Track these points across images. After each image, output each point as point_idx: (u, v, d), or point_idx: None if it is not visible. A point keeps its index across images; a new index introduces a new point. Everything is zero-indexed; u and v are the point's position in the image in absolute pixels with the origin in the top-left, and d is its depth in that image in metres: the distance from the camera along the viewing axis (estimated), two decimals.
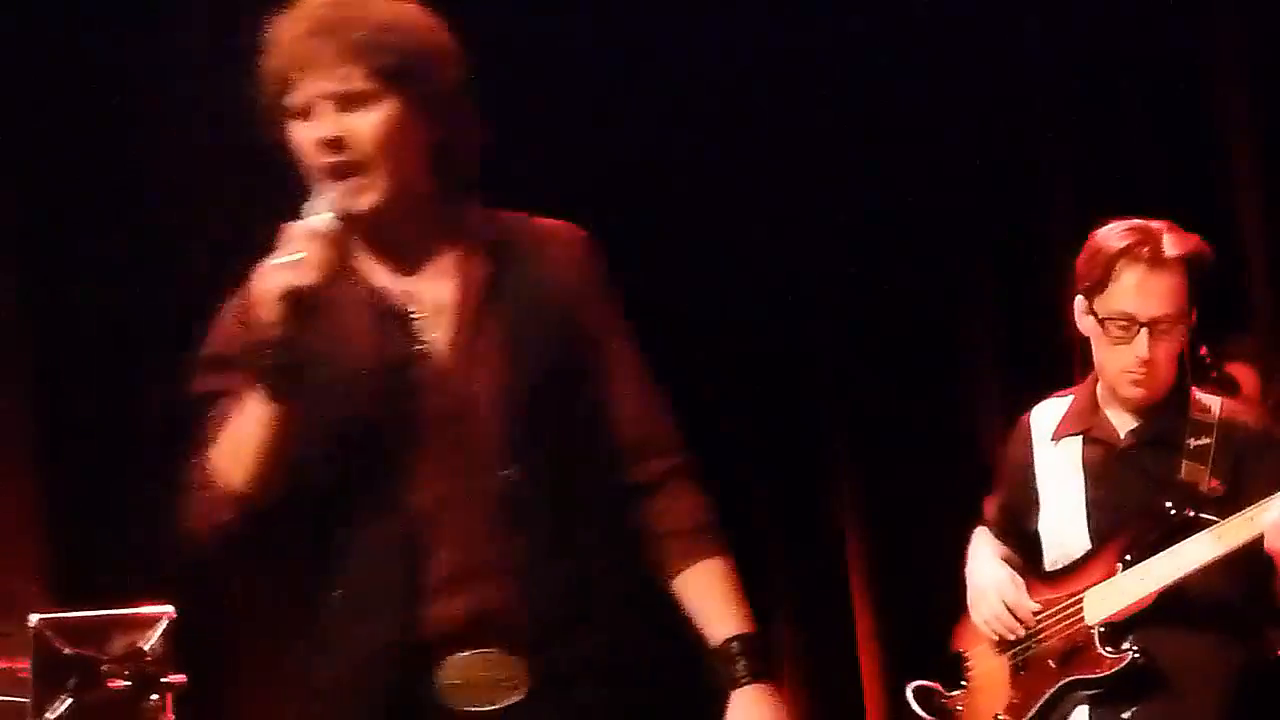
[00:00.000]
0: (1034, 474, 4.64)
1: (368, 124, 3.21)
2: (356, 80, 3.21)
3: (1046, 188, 6.87)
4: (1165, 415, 4.48)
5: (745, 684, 3.25)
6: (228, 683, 6.17)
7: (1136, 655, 4.30)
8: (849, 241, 7.14)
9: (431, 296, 3.29)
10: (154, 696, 5.04)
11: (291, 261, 3.09)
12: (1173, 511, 4.32)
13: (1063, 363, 5.30)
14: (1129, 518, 4.42)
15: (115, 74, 6.39)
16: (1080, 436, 4.57)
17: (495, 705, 3.16)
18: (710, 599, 3.30)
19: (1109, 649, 4.33)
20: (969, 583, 4.67)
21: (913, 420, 6.93)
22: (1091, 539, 4.48)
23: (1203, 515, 4.29)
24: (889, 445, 7.03)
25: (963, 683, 4.72)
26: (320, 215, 3.15)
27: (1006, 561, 4.65)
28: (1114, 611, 4.35)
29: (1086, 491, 4.52)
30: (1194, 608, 4.30)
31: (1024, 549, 4.66)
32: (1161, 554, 4.29)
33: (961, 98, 6.92)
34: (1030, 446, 4.66)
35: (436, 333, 3.26)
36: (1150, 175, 6.54)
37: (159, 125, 6.48)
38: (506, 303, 3.29)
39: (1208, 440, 4.42)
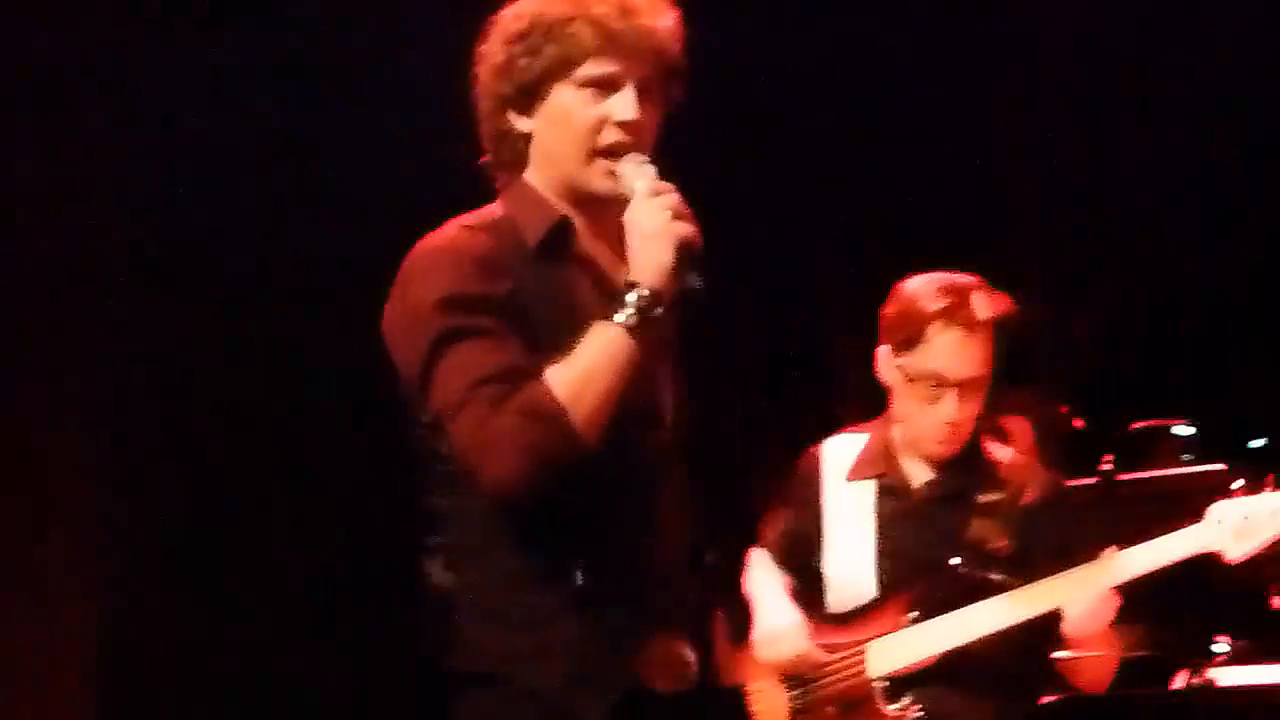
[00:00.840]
0: (823, 511, 4.64)
1: (651, 119, 3.34)
2: (660, 71, 3.33)
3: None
4: (961, 471, 4.52)
5: None
6: None
7: (919, 714, 4.34)
8: None
9: None
10: None
11: (672, 209, 3.19)
12: (962, 570, 4.36)
13: None
14: (917, 571, 4.45)
15: None
16: (875, 481, 4.59)
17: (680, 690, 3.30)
18: None
19: (889, 705, 4.36)
20: (756, 618, 4.63)
21: None
22: (879, 587, 4.50)
23: (991, 576, 4.34)
24: None
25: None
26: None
27: (789, 594, 4.64)
28: (897, 668, 4.38)
29: (877, 538, 4.54)
30: (974, 666, 4.33)
31: (805, 582, 4.65)
32: (951, 614, 4.33)
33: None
34: (821, 481, 4.67)
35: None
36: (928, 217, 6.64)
37: None
38: None
39: (999, 498, 4.47)
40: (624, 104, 3.30)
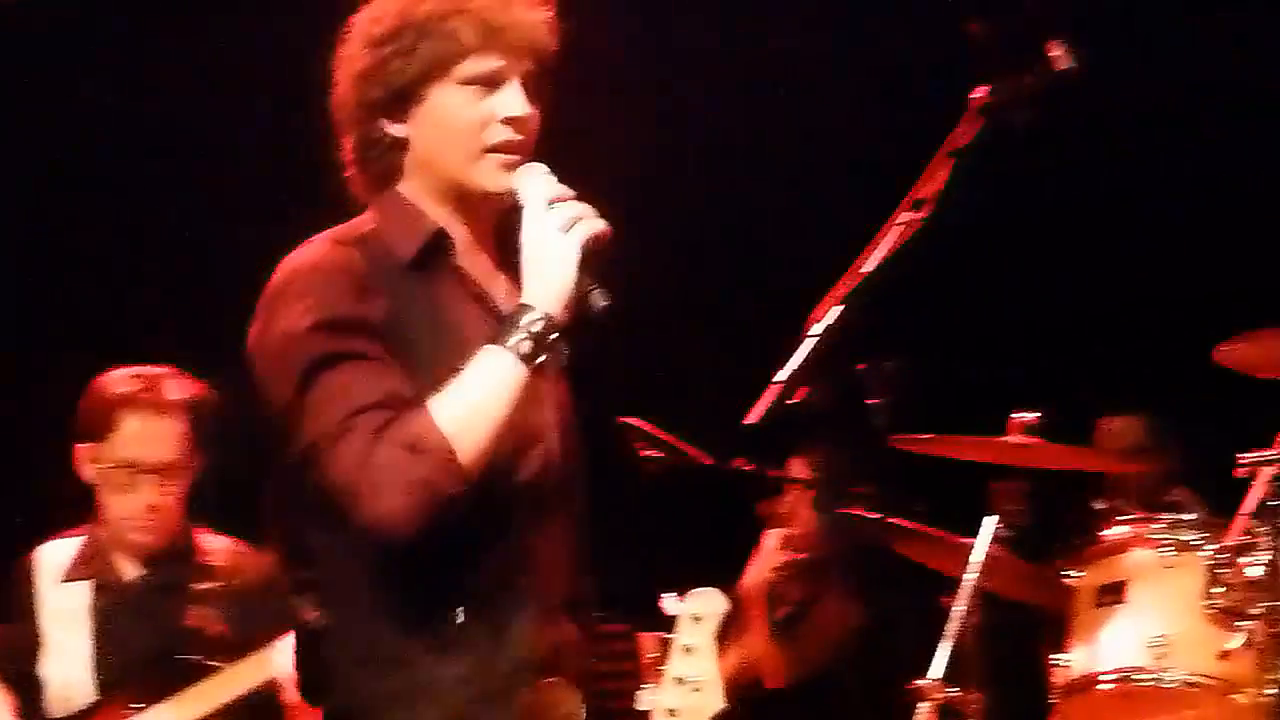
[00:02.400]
0: (39, 615, 4.62)
1: (535, 117, 3.14)
2: (540, 65, 3.14)
3: None
4: (172, 560, 4.61)
5: None
6: None
7: None
8: None
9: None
10: None
11: (582, 216, 3.01)
12: (179, 658, 4.44)
13: None
14: (139, 665, 4.50)
15: None
16: (89, 582, 4.61)
17: None
18: None
19: None
20: None
21: None
22: (99, 687, 4.53)
23: (210, 662, 4.45)
24: None
25: None
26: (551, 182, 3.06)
27: (12, 709, 4.60)
28: None
29: (95, 638, 4.57)
30: None
31: (24, 691, 4.62)
32: (169, 701, 4.41)
33: None
34: (35, 586, 4.65)
35: None
36: None
37: None
38: None
39: (214, 585, 4.57)
40: (512, 100, 3.12)
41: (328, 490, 2.96)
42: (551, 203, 3.06)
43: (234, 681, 4.39)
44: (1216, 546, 4.69)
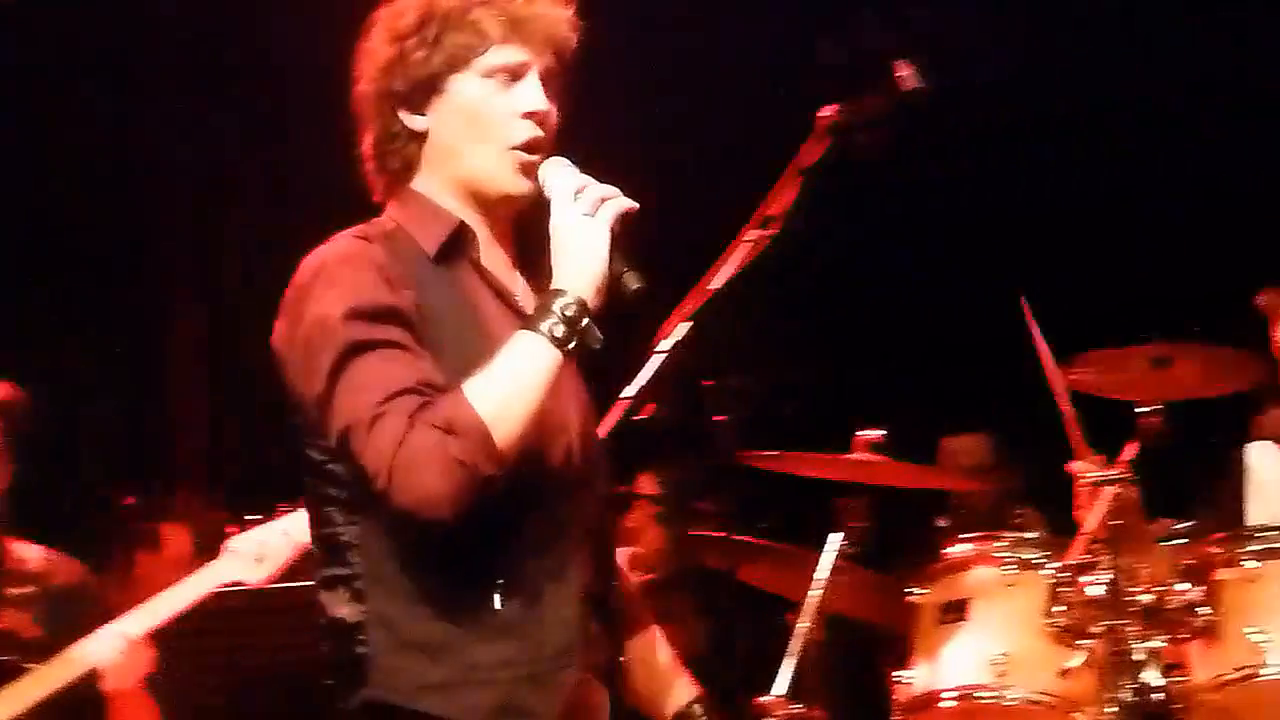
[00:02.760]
0: None
1: (554, 110, 3.14)
2: (560, 62, 3.15)
3: None
4: None
5: None
6: None
7: None
8: None
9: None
10: None
11: (608, 196, 3.01)
12: None
13: None
14: None
15: None
16: None
17: None
18: (664, 664, 3.41)
19: None
20: None
21: None
22: None
23: (26, 664, 4.44)
24: None
25: None
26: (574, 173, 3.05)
27: None
28: None
29: None
30: None
31: None
32: None
33: None
34: None
35: None
36: None
37: None
38: None
39: (28, 590, 4.56)
40: (533, 94, 3.13)
41: (361, 478, 2.94)
42: (577, 191, 3.06)
43: (47, 679, 4.39)
44: (1058, 565, 4.73)
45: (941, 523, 7.03)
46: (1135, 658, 4.56)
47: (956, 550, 4.99)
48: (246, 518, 4.44)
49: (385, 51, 3.15)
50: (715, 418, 4.99)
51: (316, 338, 2.99)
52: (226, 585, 4.42)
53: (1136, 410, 4.91)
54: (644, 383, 3.62)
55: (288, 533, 4.38)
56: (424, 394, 2.92)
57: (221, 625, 4.88)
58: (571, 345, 2.97)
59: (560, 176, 3.09)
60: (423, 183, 3.20)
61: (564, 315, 2.96)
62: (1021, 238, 7.51)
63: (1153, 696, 4.53)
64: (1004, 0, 7.17)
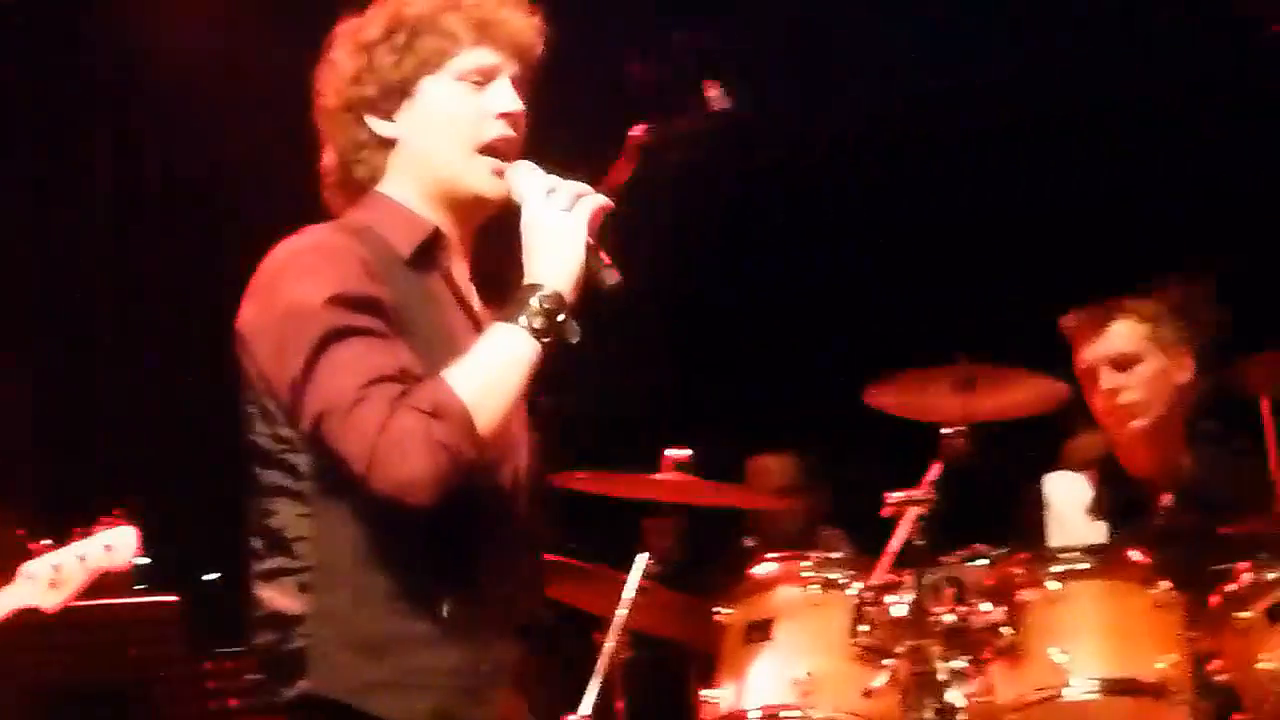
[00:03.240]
0: None
1: (525, 113, 3.15)
2: (527, 68, 3.15)
3: None
4: None
5: None
6: None
7: None
8: None
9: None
10: None
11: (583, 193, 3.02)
12: None
13: None
14: None
15: None
16: None
17: None
18: None
19: None
20: None
21: None
22: None
23: None
24: None
25: None
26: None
27: None
28: None
29: None
30: None
31: None
32: None
33: None
34: None
35: None
36: None
37: None
38: None
39: None
40: (505, 94, 3.14)
41: (335, 463, 2.93)
42: (550, 190, 3.08)
43: None
44: (862, 585, 4.76)
45: (748, 542, 7.05)
46: (939, 678, 4.60)
47: (762, 570, 5.00)
48: (43, 542, 4.37)
49: (352, 62, 3.17)
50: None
51: (295, 322, 2.98)
52: (19, 609, 4.33)
53: (941, 432, 4.96)
54: None
55: (84, 558, 4.31)
56: (404, 382, 2.93)
57: (19, 644, 4.80)
58: (548, 339, 3.00)
59: (530, 177, 3.11)
60: (391, 188, 3.19)
61: (542, 308, 2.98)
62: (830, 256, 7.56)
63: (956, 717, 4.57)
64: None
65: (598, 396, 6.71)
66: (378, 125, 3.16)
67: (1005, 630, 4.59)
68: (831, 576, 4.87)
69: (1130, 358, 5.21)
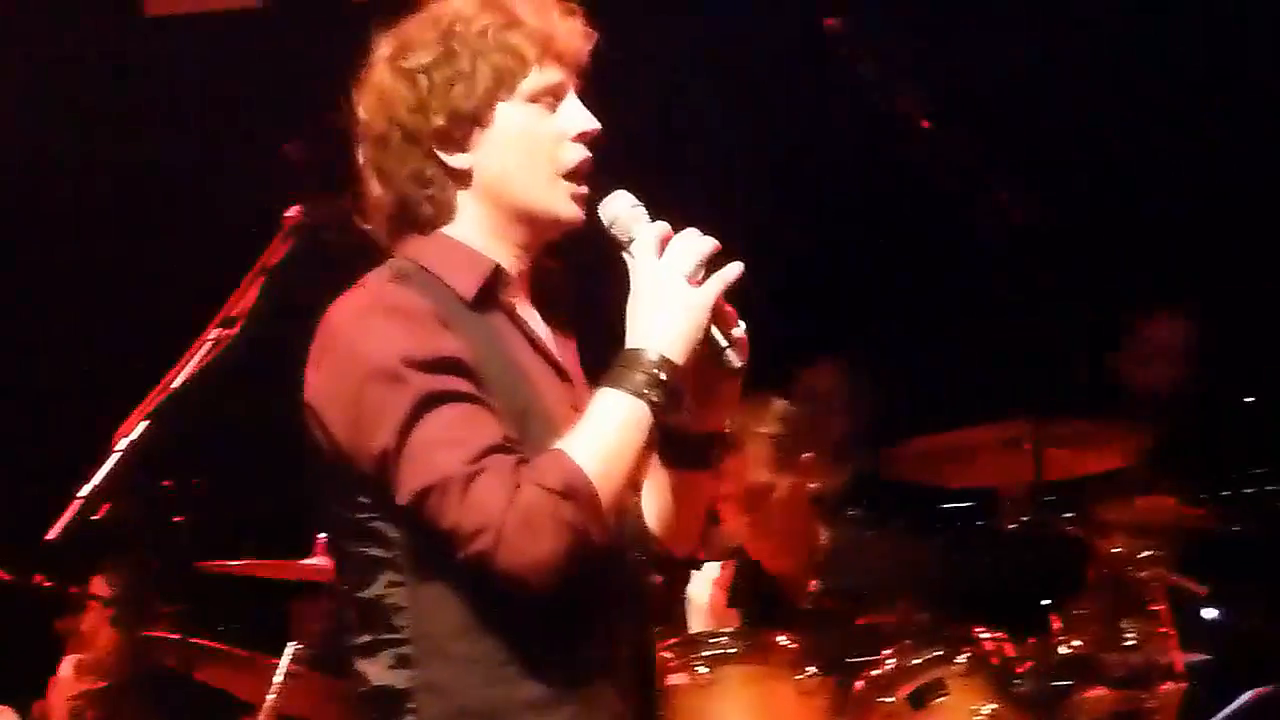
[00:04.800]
0: None
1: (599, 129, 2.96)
2: (584, 78, 2.95)
3: None
4: None
5: None
6: None
7: None
8: None
9: (565, 361, 3.01)
10: None
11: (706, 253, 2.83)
12: None
13: None
14: None
15: None
16: None
17: None
18: None
19: None
20: None
21: None
22: None
23: None
24: None
25: None
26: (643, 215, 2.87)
27: None
28: None
29: None
30: None
31: None
32: None
33: None
34: None
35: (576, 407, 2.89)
36: None
37: None
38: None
39: None
40: (580, 114, 2.93)
41: (440, 539, 2.74)
42: (662, 241, 2.87)
43: None
44: None
45: None
46: None
47: None
48: None
49: (407, 89, 2.93)
50: (174, 518, 4.90)
51: (376, 389, 2.78)
52: None
53: None
54: (100, 481, 3.54)
55: None
56: (513, 450, 2.76)
57: None
58: (661, 411, 2.82)
59: (634, 218, 2.92)
60: (455, 228, 2.97)
61: (659, 379, 2.80)
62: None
63: None
64: None
65: (254, 479, 6.66)
66: (450, 159, 2.94)
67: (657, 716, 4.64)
68: None
69: (763, 490, 5.27)
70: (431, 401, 2.76)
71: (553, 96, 2.95)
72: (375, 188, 2.99)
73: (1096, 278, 6.42)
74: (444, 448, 2.74)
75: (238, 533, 5.27)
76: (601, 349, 2.93)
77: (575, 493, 2.73)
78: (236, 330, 3.79)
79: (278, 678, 5.05)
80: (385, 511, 2.82)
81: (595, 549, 2.75)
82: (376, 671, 2.88)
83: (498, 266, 2.95)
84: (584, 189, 2.96)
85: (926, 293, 6.94)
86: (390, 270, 2.93)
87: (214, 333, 3.80)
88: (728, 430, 3.02)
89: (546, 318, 3.06)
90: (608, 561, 2.86)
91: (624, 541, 2.95)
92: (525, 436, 2.82)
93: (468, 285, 2.92)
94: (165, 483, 4.86)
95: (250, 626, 5.39)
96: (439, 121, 2.91)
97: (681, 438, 2.97)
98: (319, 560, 5.14)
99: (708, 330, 2.85)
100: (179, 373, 3.75)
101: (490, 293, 2.94)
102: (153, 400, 3.69)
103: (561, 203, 2.94)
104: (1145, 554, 5.16)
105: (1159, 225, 6.89)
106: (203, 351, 3.78)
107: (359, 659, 2.91)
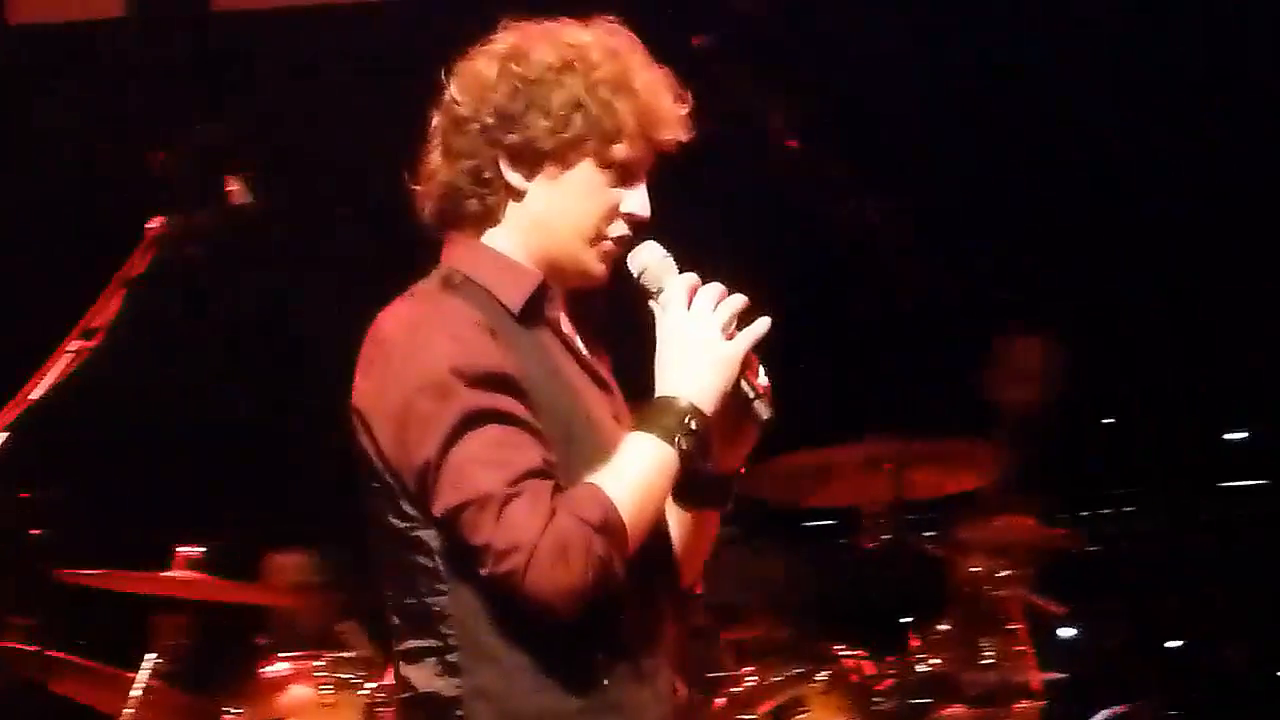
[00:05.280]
0: None
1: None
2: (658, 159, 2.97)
3: None
4: None
5: None
6: None
7: None
8: None
9: (603, 373, 3.05)
10: None
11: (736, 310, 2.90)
12: None
13: None
14: None
15: None
16: None
17: None
18: None
19: None
20: None
21: None
22: None
23: None
24: None
25: None
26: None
27: None
28: None
29: None
30: None
31: None
32: None
33: None
34: None
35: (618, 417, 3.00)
36: None
37: None
38: None
39: None
40: (641, 199, 2.97)
41: (471, 554, 2.78)
42: (691, 292, 2.93)
43: None
44: (375, 685, 4.76)
45: (261, 640, 6.97)
46: None
47: (273, 669, 4.96)
48: None
49: (507, 96, 2.94)
50: (32, 530, 4.86)
51: (423, 400, 2.81)
52: None
53: None
54: None
55: None
56: (551, 476, 2.80)
57: None
58: (689, 460, 2.89)
59: (665, 269, 2.97)
60: (496, 238, 2.99)
61: (691, 430, 2.86)
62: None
63: None
64: None
65: (111, 490, 6.60)
66: (512, 176, 2.96)
67: None
68: (344, 676, 4.86)
69: None
70: (477, 419, 2.80)
71: (626, 172, 2.98)
72: (436, 159, 3.01)
73: (963, 295, 6.49)
74: (485, 467, 2.78)
75: (97, 544, 5.21)
76: (628, 364, 3.06)
77: (609, 528, 2.79)
78: (97, 342, 3.77)
79: (135, 691, 5.01)
80: (430, 520, 2.85)
81: (618, 583, 2.81)
82: (422, 678, 2.90)
83: (544, 281, 2.99)
84: (616, 250, 2.99)
85: (789, 311, 6.98)
86: (439, 279, 2.97)
87: (73, 345, 3.77)
88: (744, 472, 3.08)
89: (580, 330, 3.09)
90: (648, 568, 2.93)
91: (661, 548, 3.02)
92: (571, 445, 2.89)
93: (515, 298, 2.96)
94: (23, 494, 4.82)
95: (109, 639, 5.33)
96: (514, 139, 2.94)
97: (700, 479, 3.00)
98: (178, 573, 5.11)
99: (737, 382, 2.92)
100: (37, 384, 3.72)
101: (536, 306, 2.98)
102: (10, 412, 3.66)
103: (590, 262, 2.99)
104: (1004, 573, 5.23)
105: (1030, 241, 6.97)
106: (62, 363, 3.75)
107: (403, 664, 2.93)
